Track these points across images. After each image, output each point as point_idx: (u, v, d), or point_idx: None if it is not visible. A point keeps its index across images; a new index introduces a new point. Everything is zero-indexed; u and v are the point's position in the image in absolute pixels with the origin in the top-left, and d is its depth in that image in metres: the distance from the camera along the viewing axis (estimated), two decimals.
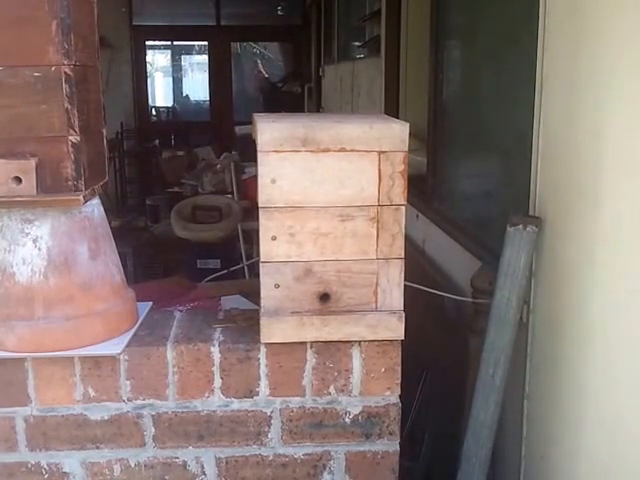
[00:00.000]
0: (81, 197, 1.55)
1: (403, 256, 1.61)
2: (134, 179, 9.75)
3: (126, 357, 1.64)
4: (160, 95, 12.15)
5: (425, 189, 3.45)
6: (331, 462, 1.73)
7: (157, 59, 12.20)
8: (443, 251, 3.04)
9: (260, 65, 11.49)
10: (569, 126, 1.80)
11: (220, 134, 9.92)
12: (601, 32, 1.64)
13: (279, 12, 10.94)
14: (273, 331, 1.62)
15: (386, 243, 1.60)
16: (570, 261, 1.79)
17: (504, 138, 2.63)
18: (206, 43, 10.99)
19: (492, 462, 2.07)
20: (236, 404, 1.68)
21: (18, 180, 1.53)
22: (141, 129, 10.16)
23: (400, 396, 1.71)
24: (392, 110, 4.36)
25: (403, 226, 1.60)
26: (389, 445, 1.73)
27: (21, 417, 1.66)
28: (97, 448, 1.68)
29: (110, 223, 1.77)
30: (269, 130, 1.54)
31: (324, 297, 1.62)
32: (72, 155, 1.54)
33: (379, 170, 1.56)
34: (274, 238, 1.58)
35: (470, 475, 2.02)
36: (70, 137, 1.53)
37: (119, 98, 9.48)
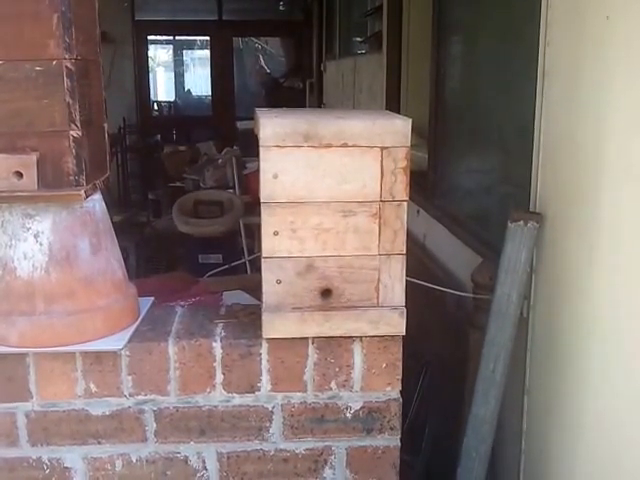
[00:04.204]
0: (82, 192, 1.55)
1: (405, 252, 1.61)
2: (136, 174, 9.74)
3: (127, 352, 1.64)
4: (162, 90, 12.16)
5: (426, 185, 3.45)
6: (332, 457, 1.73)
7: (159, 54, 12.20)
8: (444, 247, 3.04)
9: (262, 60, 11.49)
10: (570, 122, 1.79)
11: (222, 129, 9.93)
12: (604, 27, 1.64)
13: (281, 7, 10.92)
14: (275, 327, 1.62)
15: (388, 239, 1.60)
16: (570, 257, 1.79)
17: (505, 134, 2.63)
18: (208, 38, 10.99)
19: (492, 457, 2.08)
20: (237, 399, 1.68)
21: (19, 175, 1.52)
22: (143, 124, 10.16)
23: (401, 391, 1.72)
24: (393, 106, 4.36)
25: (405, 222, 1.59)
26: (390, 440, 1.73)
27: (22, 412, 1.66)
28: (99, 443, 1.68)
29: (112, 218, 1.77)
30: (271, 125, 1.53)
31: (326, 293, 1.62)
32: (73, 150, 1.54)
33: (381, 166, 1.56)
34: (276, 233, 1.58)
35: (470, 469, 2.02)
36: (71, 132, 1.53)
37: (121, 93, 9.47)
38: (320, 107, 8.54)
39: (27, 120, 1.52)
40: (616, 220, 1.60)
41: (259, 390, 1.68)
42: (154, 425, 1.68)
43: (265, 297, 1.61)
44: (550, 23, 1.89)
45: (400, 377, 1.70)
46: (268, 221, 1.58)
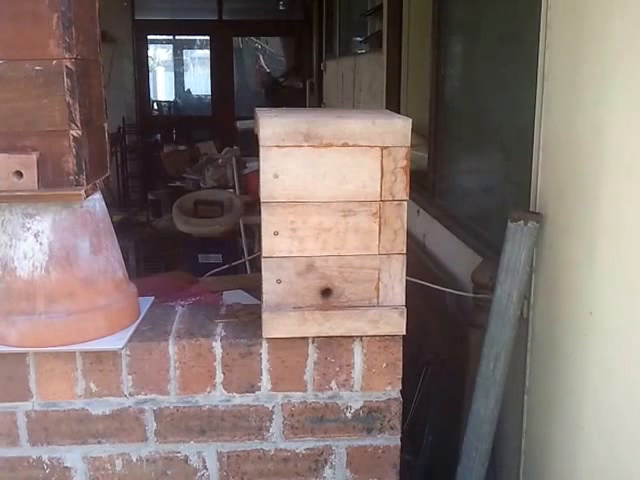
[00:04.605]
0: (82, 192, 1.55)
1: (405, 251, 1.61)
2: (136, 174, 9.75)
3: (128, 352, 1.64)
4: (162, 90, 12.16)
5: (426, 185, 3.45)
6: (332, 457, 1.73)
7: (159, 53, 12.19)
8: (444, 246, 3.04)
9: (262, 60, 11.48)
10: (570, 122, 1.79)
11: (221, 129, 9.93)
12: (603, 28, 1.64)
13: (281, 7, 10.92)
14: (275, 326, 1.62)
15: (388, 238, 1.60)
16: (571, 257, 1.79)
17: (505, 134, 2.63)
18: (208, 38, 10.99)
19: (492, 456, 2.08)
20: (238, 399, 1.68)
21: (19, 174, 1.53)
22: (143, 124, 10.16)
23: (401, 391, 1.72)
24: (393, 105, 4.35)
25: (405, 221, 1.59)
26: (390, 440, 1.73)
27: (22, 412, 1.66)
28: (99, 443, 1.68)
29: (112, 218, 1.77)
30: (271, 125, 1.53)
31: (326, 292, 1.62)
32: (74, 149, 1.54)
33: (381, 165, 1.56)
34: (276, 233, 1.58)
35: (470, 469, 2.02)
36: (72, 131, 1.53)
37: (121, 93, 9.48)
38: (320, 107, 8.54)
39: (27, 120, 1.53)
40: (616, 220, 1.60)
41: (259, 390, 1.68)
42: (154, 425, 1.68)
43: (265, 297, 1.61)
44: (550, 23, 1.89)
45: (400, 377, 1.70)
46: (268, 221, 1.58)
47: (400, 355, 1.69)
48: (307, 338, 1.66)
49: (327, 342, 1.67)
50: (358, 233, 1.60)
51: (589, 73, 1.69)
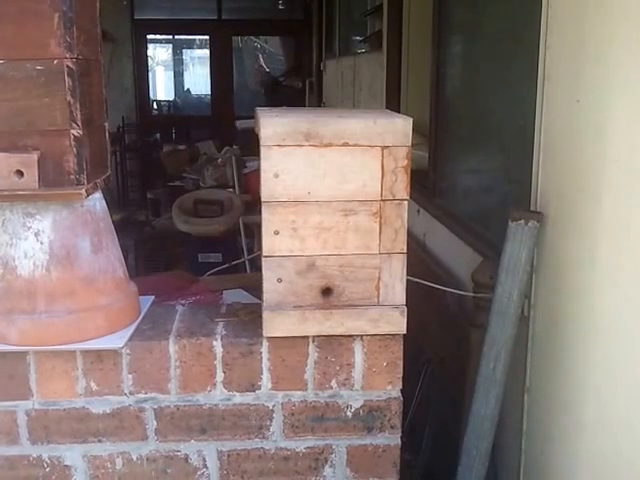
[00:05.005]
0: (83, 191, 1.55)
1: (405, 251, 1.61)
2: (135, 173, 9.76)
3: (128, 351, 1.64)
4: (161, 89, 12.16)
5: (427, 184, 3.45)
6: (332, 456, 1.73)
7: (158, 53, 12.19)
8: (444, 246, 3.04)
9: (261, 59, 11.48)
10: (571, 121, 1.80)
11: (221, 128, 9.93)
12: (604, 26, 1.64)
13: (280, 6, 10.93)
14: (275, 325, 1.62)
15: (389, 238, 1.60)
16: (571, 256, 1.80)
17: (506, 133, 2.63)
18: (207, 37, 10.99)
19: (492, 456, 2.08)
20: (238, 398, 1.68)
21: (20, 174, 1.53)
22: (142, 123, 10.16)
23: (401, 390, 1.72)
24: (394, 105, 4.36)
25: (406, 221, 1.60)
26: (390, 439, 1.73)
27: (23, 410, 1.66)
28: (99, 441, 1.68)
29: (111, 217, 1.77)
30: (272, 124, 1.53)
31: (326, 291, 1.62)
32: (74, 149, 1.54)
33: (382, 165, 1.56)
34: (277, 232, 1.58)
35: (470, 468, 2.03)
36: (72, 131, 1.53)
37: (120, 92, 9.48)
38: (320, 106, 8.54)
39: (28, 119, 1.52)
40: (617, 219, 1.60)
41: (260, 389, 1.68)
42: (154, 423, 1.68)
43: (266, 296, 1.61)
44: (550, 21, 1.89)
45: (401, 376, 1.70)
46: (269, 220, 1.58)
47: (401, 354, 1.69)
48: (307, 337, 1.66)
49: (327, 341, 1.67)
50: (359, 232, 1.60)
51: (590, 71, 1.69)
